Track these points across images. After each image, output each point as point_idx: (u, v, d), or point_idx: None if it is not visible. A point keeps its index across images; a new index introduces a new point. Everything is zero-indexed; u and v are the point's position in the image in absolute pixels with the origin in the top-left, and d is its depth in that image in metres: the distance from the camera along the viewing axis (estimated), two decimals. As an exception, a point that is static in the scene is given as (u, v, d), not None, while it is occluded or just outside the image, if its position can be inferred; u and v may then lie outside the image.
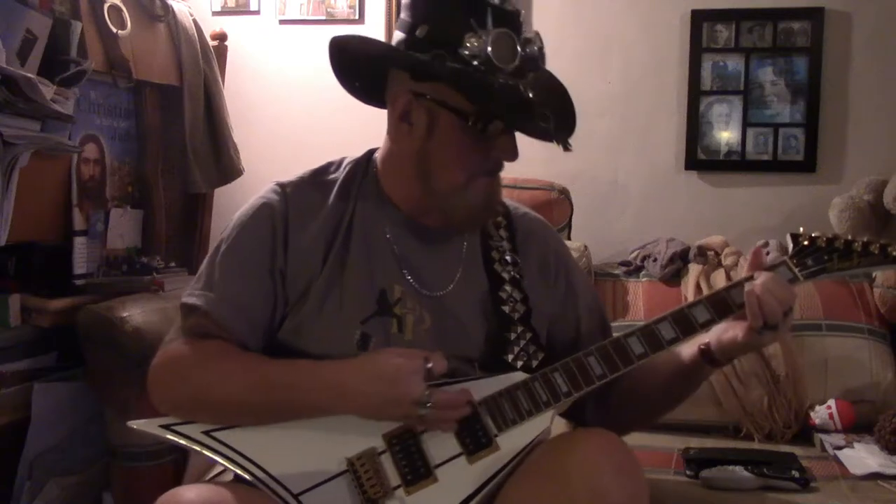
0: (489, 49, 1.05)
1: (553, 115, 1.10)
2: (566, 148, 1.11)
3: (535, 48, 1.10)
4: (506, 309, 1.20)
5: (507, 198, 1.31)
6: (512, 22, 1.09)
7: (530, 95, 1.08)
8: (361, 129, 1.57)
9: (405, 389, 1.02)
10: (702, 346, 1.18)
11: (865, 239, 1.17)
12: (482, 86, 1.05)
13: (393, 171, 1.20)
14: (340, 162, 1.26)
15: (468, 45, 1.05)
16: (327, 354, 1.13)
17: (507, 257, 1.24)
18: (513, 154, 1.13)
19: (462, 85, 1.06)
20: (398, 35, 1.12)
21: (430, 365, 1.03)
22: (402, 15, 1.13)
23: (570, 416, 1.28)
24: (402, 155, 1.16)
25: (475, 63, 1.05)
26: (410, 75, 1.11)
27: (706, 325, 1.15)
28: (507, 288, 1.21)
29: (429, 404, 1.02)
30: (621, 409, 1.26)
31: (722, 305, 1.14)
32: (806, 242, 1.18)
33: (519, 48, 1.08)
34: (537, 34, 1.12)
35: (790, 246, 1.19)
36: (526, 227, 1.29)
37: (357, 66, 1.19)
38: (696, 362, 1.19)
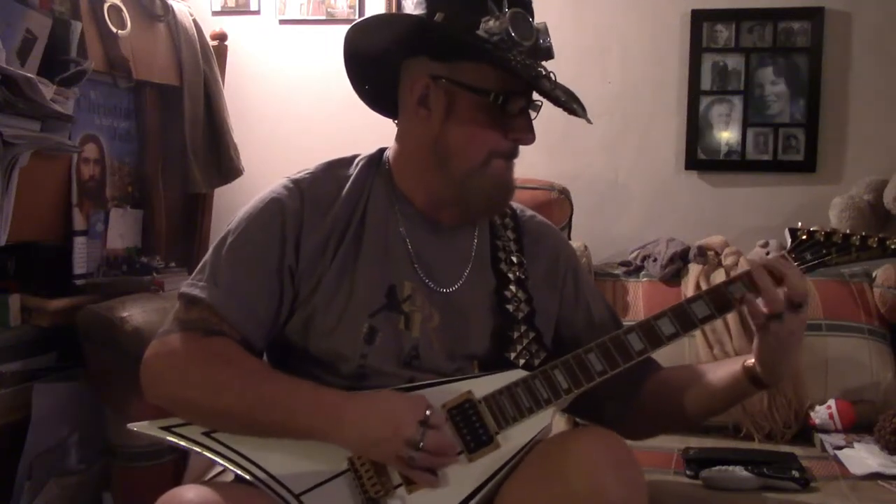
0: (508, 26, 1.07)
1: (568, 96, 1.14)
2: (588, 119, 1.15)
3: (548, 40, 1.13)
4: (510, 308, 1.20)
5: (513, 202, 1.32)
6: (526, 5, 1.13)
7: (547, 73, 1.12)
8: (362, 128, 1.57)
9: (401, 429, 1.01)
10: (746, 365, 1.17)
11: (864, 233, 1.18)
12: (506, 58, 1.08)
13: (408, 165, 1.20)
14: (353, 158, 1.26)
15: (486, 26, 1.08)
16: (334, 350, 1.13)
17: (514, 258, 1.25)
18: (530, 134, 1.15)
19: (486, 57, 1.08)
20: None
21: (429, 413, 1.03)
22: (416, 10, 1.14)
23: (584, 413, 1.27)
24: (419, 144, 1.17)
25: (495, 39, 1.08)
26: (429, 57, 1.13)
27: (706, 321, 1.15)
28: (512, 287, 1.22)
29: (421, 445, 1.01)
30: (645, 417, 1.27)
31: (721, 300, 1.14)
32: (804, 237, 1.18)
33: (533, 25, 1.11)
34: (545, 26, 1.14)
35: (788, 241, 1.19)
36: (534, 231, 1.31)
37: (371, 61, 1.20)
38: (738, 380, 1.18)
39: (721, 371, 1.22)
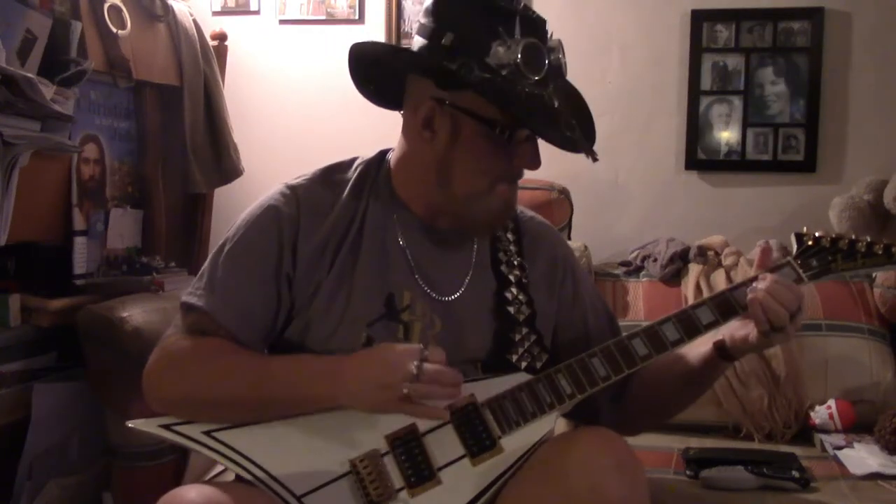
0: (518, 58, 1.04)
1: (576, 124, 1.12)
2: (594, 159, 1.12)
3: (560, 57, 1.11)
4: (511, 310, 1.20)
5: None
6: (539, 31, 1.10)
7: (556, 105, 1.09)
8: (361, 128, 1.58)
9: (397, 370, 1.02)
10: (716, 343, 1.18)
11: (869, 239, 1.18)
12: (510, 95, 1.05)
13: (410, 175, 1.19)
14: (352, 162, 1.25)
15: (496, 53, 1.05)
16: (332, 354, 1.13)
17: (514, 260, 1.24)
18: (535, 162, 1.13)
19: (490, 94, 1.06)
20: (419, 41, 1.11)
21: (426, 352, 1.03)
22: (424, 20, 1.11)
23: (581, 418, 1.27)
24: (423, 162, 1.15)
25: (503, 73, 1.05)
26: (435, 83, 1.11)
27: (710, 327, 1.15)
28: (513, 290, 1.22)
29: (418, 377, 1.01)
30: (636, 410, 1.27)
31: (726, 307, 1.15)
32: (810, 242, 1.18)
33: (546, 58, 1.08)
34: (560, 42, 1.11)
35: (794, 246, 1.19)
36: (534, 232, 1.30)
37: (376, 71, 1.19)
38: (710, 359, 1.19)
39: (693, 354, 1.22)
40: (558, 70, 1.11)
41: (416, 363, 1.02)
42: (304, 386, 1.06)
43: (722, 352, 1.18)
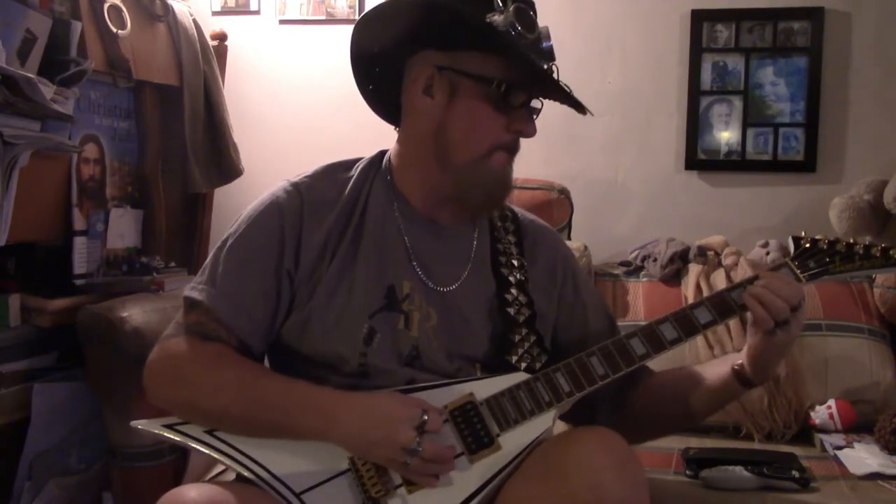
0: (513, 19, 1.09)
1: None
2: (585, 111, 1.16)
3: (549, 44, 1.14)
4: (511, 311, 1.20)
5: (513, 205, 1.33)
6: (529, 4, 1.14)
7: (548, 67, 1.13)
8: (361, 129, 1.57)
9: (394, 434, 1.02)
10: (735, 367, 1.18)
11: (867, 241, 1.18)
12: (513, 45, 1.09)
13: (408, 162, 1.21)
14: (354, 161, 1.26)
15: (492, 20, 1.09)
16: (333, 351, 1.13)
17: (514, 261, 1.25)
18: (531, 127, 1.15)
19: (491, 43, 1.09)
20: None
21: (425, 418, 1.03)
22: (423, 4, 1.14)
23: (577, 419, 1.27)
24: (421, 136, 1.17)
25: (501, 32, 1.09)
26: (435, 48, 1.14)
27: (708, 326, 1.15)
28: (513, 291, 1.22)
29: (419, 452, 1.01)
30: (640, 418, 1.26)
31: (723, 306, 1.15)
32: (808, 245, 1.18)
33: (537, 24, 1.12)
34: (547, 29, 1.15)
35: (792, 248, 1.20)
36: (534, 234, 1.31)
37: (376, 58, 1.20)
38: (727, 381, 1.19)
39: (710, 374, 1.22)
40: (549, 55, 1.14)
41: (417, 439, 1.01)
42: (297, 415, 1.06)
43: (741, 376, 1.18)
